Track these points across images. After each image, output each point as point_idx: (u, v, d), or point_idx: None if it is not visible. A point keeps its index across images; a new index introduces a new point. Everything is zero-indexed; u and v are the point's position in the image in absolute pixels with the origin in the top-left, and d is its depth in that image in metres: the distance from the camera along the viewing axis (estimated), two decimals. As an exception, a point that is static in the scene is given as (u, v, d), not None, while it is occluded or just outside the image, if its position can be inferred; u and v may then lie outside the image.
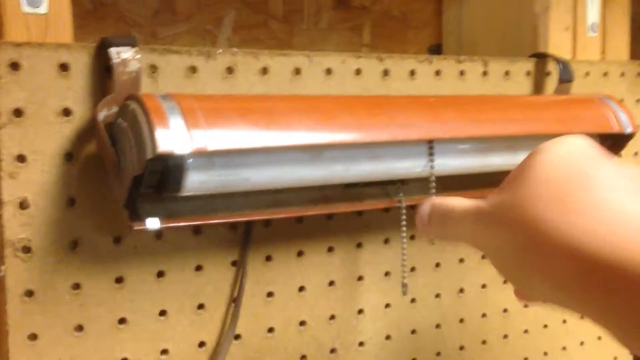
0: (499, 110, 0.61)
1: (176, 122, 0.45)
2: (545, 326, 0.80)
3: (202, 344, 0.58)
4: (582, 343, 0.84)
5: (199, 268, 0.57)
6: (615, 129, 0.66)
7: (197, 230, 0.57)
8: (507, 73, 0.74)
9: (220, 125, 0.46)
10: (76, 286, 0.52)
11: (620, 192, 0.35)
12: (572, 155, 0.37)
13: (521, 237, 0.36)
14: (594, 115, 0.66)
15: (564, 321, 0.82)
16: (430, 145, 0.58)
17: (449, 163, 0.60)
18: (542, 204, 0.35)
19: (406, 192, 0.62)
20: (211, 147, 0.45)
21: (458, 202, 0.41)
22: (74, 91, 0.51)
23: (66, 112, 0.51)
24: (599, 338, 0.85)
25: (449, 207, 0.41)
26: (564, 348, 0.82)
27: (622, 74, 0.83)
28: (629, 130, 0.66)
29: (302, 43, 0.85)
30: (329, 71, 0.62)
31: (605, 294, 0.32)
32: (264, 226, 0.60)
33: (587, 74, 0.80)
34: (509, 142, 0.63)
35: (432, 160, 0.58)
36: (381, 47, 0.91)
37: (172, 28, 0.76)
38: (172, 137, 0.44)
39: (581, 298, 0.33)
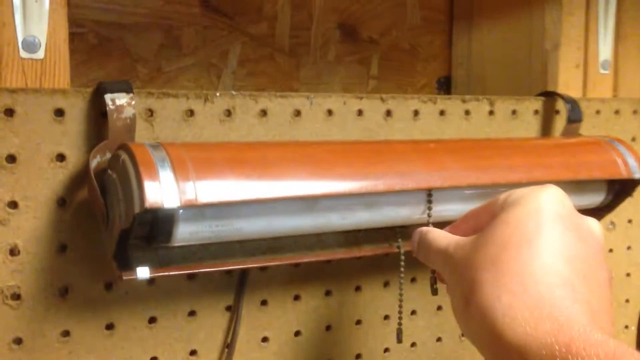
0: (501, 156, 0.59)
1: (165, 174, 0.44)
2: None
3: (194, 391, 0.58)
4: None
5: (192, 313, 0.57)
6: (623, 174, 0.64)
7: (190, 275, 0.56)
8: (514, 112, 0.72)
9: (211, 177, 0.46)
10: (66, 333, 0.52)
11: (549, 276, 0.35)
12: (527, 214, 0.38)
13: (460, 293, 0.39)
14: (601, 160, 0.64)
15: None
16: (428, 193, 0.57)
17: (448, 209, 0.59)
18: (481, 264, 0.37)
19: (405, 236, 0.61)
20: (201, 199, 0.45)
21: (436, 237, 0.44)
22: (69, 136, 0.50)
23: (60, 158, 0.50)
24: None
25: (428, 241, 0.45)
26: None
27: (635, 112, 0.82)
28: (637, 175, 0.65)
29: (309, 76, 0.84)
30: (330, 112, 0.62)
31: None
32: (259, 270, 0.59)
33: (598, 112, 0.78)
34: (511, 188, 0.62)
35: (430, 208, 0.57)
36: (390, 79, 0.90)
37: (177, 62, 0.76)
38: (161, 190, 0.43)
39: None
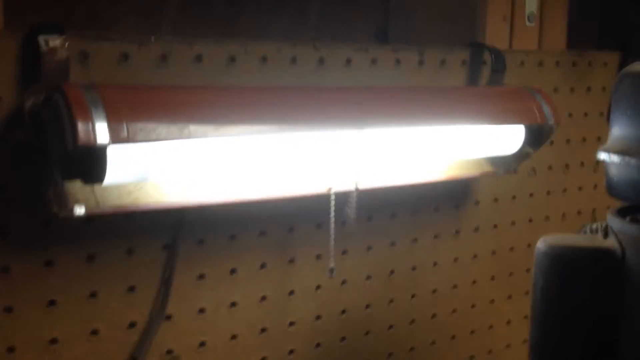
0: (427, 103, 0.63)
1: (98, 113, 0.46)
2: (473, 306, 0.84)
3: (132, 325, 0.60)
4: (508, 322, 0.88)
5: (130, 251, 0.59)
6: (538, 120, 0.68)
7: (128, 214, 0.58)
8: (443, 62, 0.76)
9: (143, 117, 0.48)
10: (5, 269, 0.53)
11: None
12: None
13: None
14: (519, 107, 0.68)
15: (492, 301, 0.86)
16: (359, 136, 0.60)
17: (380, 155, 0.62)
18: None
19: (336, 179, 0.64)
20: (133, 139, 0.47)
21: None
22: (4, 77, 0.51)
23: (-6, 99, 0.51)
24: (526, 317, 0.90)
25: None
26: (491, 326, 0.86)
27: (557, 64, 0.86)
28: (551, 122, 0.69)
29: (248, 25, 0.85)
30: (264, 59, 0.64)
31: None
32: (196, 210, 0.62)
33: (522, 63, 0.83)
34: (438, 132, 0.66)
35: (361, 152, 0.60)
36: (328, 32, 0.92)
37: (114, 9, 0.76)
38: (93, 129, 0.45)
39: None
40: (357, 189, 0.63)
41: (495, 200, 0.83)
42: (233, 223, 0.64)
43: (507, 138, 0.71)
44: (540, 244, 0.49)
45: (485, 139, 0.69)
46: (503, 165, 0.75)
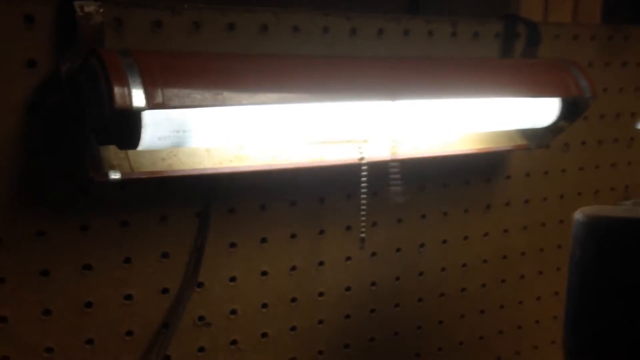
0: (462, 74, 0.62)
1: (134, 79, 0.46)
2: (503, 281, 0.83)
3: (165, 290, 0.61)
4: (538, 298, 0.87)
5: (163, 219, 0.60)
6: (574, 93, 0.67)
7: (161, 182, 0.59)
8: (476, 34, 0.74)
9: (178, 84, 0.48)
10: (41, 233, 0.54)
11: None
12: None
13: None
14: (555, 80, 0.67)
15: (522, 277, 0.85)
16: (392, 106, 0.60)
17: (411, 126, 0.62)
18: None
19: (368, 150, 0.64)
20: (168, 104, 0.47)
21: None
22: (39, 43, 0.52)
23: (31, 63, 0.52)
24: (556, 293, 0.89)
25: None
26: (521, 302, 0.86)
27: (593, 37, 0.84)
28: (587, 95, 0.68)
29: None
30: (296, 28, 0.63)
31: None
32: (228, 179, 0.62)
33: (557, 36, 0.81)
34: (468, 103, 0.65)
35: (393, 122, 0.60)
36: (360, 2, 0.91)
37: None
38: (129, 93, 0.45)
39: None
40: (392, 160, 0.63)
41: (527, 175, 0.82)
42: (264, 193, 0.65)
43: (541, 111, 0.70)
44: (578, 215, 0.48)
45: (519, 111, 0.68)
46: (536, 139, 0.74)
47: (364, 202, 0.64)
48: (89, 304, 0.58)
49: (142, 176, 0.53)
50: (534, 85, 0.66)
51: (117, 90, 0.45)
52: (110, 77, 0.45)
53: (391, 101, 0.60)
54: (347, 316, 0.73)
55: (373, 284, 0.74)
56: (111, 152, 0.53)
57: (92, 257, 0.57)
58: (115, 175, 0.51)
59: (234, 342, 0.66)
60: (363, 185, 0.63)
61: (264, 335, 0.68)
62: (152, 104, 0.46)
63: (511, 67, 0.68)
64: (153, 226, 0.59)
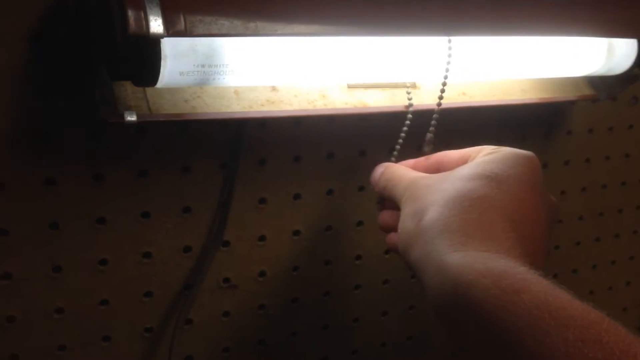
0: (529, 7, 0.54)
1: (151, 1, 0.39)
2: (557, 247, 0.76)
3: (187, 249, 0.55)
4: (594, 266, 0.80)
5: (185, 169, 0.53)
6: (657, 36, 0.58)
7: (183, 128, 0.52)
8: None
9: (204, 8, 0.40)
10: (50, 181, 0.48)
11: (501, 218, 0.39)
12: (502, 165, 0.42)
13: (413, 213, 0.42)
14: (635, 18, 0.58)
15: (578, 243, 0.78)
16: (448, 46, 0.52)
17: (468, 68, 0.54)
18: (443, 189, 0.42)
19: (417, 97, 0.57)
20: (191, 32, 0.40)
21: (402, 168, 0.49)
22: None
23: (35, -13, 0.45)
24: (613, 262, 0.81)
25: (394, 171, 0.49)
26: (575, 270, 0.79)
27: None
28: (672, 38, 0.59)
29: None
30: (338, -44, 0.55)
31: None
32: (258, 127, 0.55)
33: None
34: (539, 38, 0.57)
35: (448, 63, 0.52)
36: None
37: None
38: (145, 17, 0.38)
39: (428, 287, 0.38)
40: (439, 106, 0.55)
41: (590, 131, 0.74)
42: (298, 143, 0.58)
43: (617, 55, 0.61)
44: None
45: (589, 55, 0.60)
46: (606, 89, 0.66)
47: (395, 153, 0.56)
48: (103, 262, 0.52)
49: (162, 119, 0.47)
50: (611, 23, 0.57)
51: (131, 13, 0.38)
52: (123, -2, 0.38)
53: (446, 39, 0.52)
54: (386, 281, 0.67)
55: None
56: (128, 90, 0.46)
57: (107, 210, 0.51)
58: (130, 117, 0.45)
59: (261, 307, 0.61)
60: (402, 135, 0.55)
61: (295, 300, 0.62)
62: (172, 31, 0.39)
63: (584, 1, 0.59)
64: (174, 177, 0.53)
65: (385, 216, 0.50)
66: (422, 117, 0.55)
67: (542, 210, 0.42)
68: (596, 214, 0.77)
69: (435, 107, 0.55)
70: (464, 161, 0.46)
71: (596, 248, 0.79)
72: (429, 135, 0.55)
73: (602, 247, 0.79)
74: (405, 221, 0.43)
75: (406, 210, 0.43)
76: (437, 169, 0.48)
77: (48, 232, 0.49)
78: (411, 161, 0.51)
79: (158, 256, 0.54)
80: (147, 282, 0.54)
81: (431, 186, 0.43)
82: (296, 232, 0.60)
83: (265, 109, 0.52)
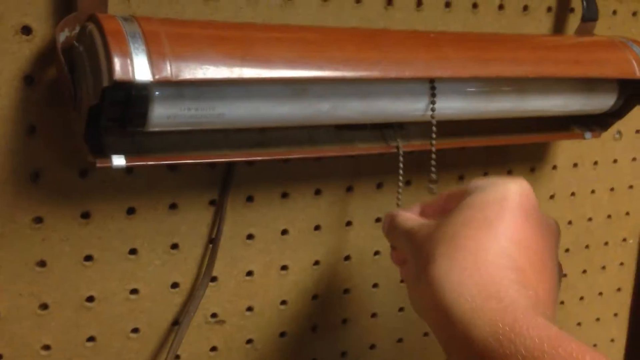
0: (508, 49, 0.55)
1: (137, 47, 0.40)
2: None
3: (175, 285, 0.56)
4: (581, 298, 0.81)
5: (173, 206, 0.54)
6: (637, 74, 0.60)
7: (172, 167, 0.53)
8: (525, 8, 0.67)
9: (189, 54, 0.41)
10: (38, 220, 0.49)
11: (503, 259, 0.37)
12: (493, 200, 0.40)
13: (415, 265, 0.41)
14: (615, 58, 0.60)
15: (564, 275, 0.78)
16: (431, 86, 0.53)
17: (449, 107, 0.55)
18: (440, 238, 0.40)
19: (404, 136, 0.58)
20: (176, 76, 0.41)
21: (405, 218, 0.47)
22: (35, 7, 0.46)
23: (26, 30, 0.46)
24: (600, 294, 0.82)
25: (397, 222, 0.47)
26: (562, 302, 0.79)
27: (653, 14, 0.76)
28: (652, 77, 0.60)
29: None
30: (325, -3, 0.57)
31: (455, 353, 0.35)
32: (246, 165, 0.56)
33: (615, 12, 0.73)
34: (519, 85, 0.58)
35: (433, 103, 0.53)
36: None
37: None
38: (132, 64, 0.39)
39: (439, 339, 0.37)
40: (433, 146, 0.56)
41: (575, 165, 0.75)
42: (286, 180, 0.58)
43: (599, 94, 0.62)
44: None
45: (573, 95, 0.61)
46: (590, 126, 0.67)
47: (400, 191, 0.57)
48: (90, 299, 0.52)
49: (150, 162, 0.47)
50: (591, 64, 0.58)
51: (117, 59, 0.39)
52: (109, 44, 0.39)
53: (430, 82, 0.53)
54: (374, 315, 0.67)
55: (403, 280, 0.67)
56: (116, 133, 0.47)
57: (95, 248, 0.51)
58: (119, 162, 0.45)
59: (249, 342, 0.61)
60: (400, 177, 0.56)
61: (283, 334, 0.62)
62: (158, 77, 0.40)
63: (565, 43, 0.61)
64: (162, 214, 0.54)
65: (396, 255, 0.50)
66: (410, 154, 0.56)
67: (540, 236, 0.40)
68: (582, 247, 0.78)
69: (428, 146, 0.56)
70: (459, 200, 0.44)
71: (583, 280, 0.80)
72: (432, 176, 0.56)
73: (589, 280, 0.80)
74: (409, 276, 0.43)
75: (409, 266, 0.43)
76: (443, 208, 0.47)
77: (36, 271, 0.50)
78: (417, 208, 0.50)
79: (146, 293, 0.54)
80: (134, 318, 0.54)
81: (429, 235, 0.42)
82: (284, 267, 0.60)
83: (254, 151, 0.52)
